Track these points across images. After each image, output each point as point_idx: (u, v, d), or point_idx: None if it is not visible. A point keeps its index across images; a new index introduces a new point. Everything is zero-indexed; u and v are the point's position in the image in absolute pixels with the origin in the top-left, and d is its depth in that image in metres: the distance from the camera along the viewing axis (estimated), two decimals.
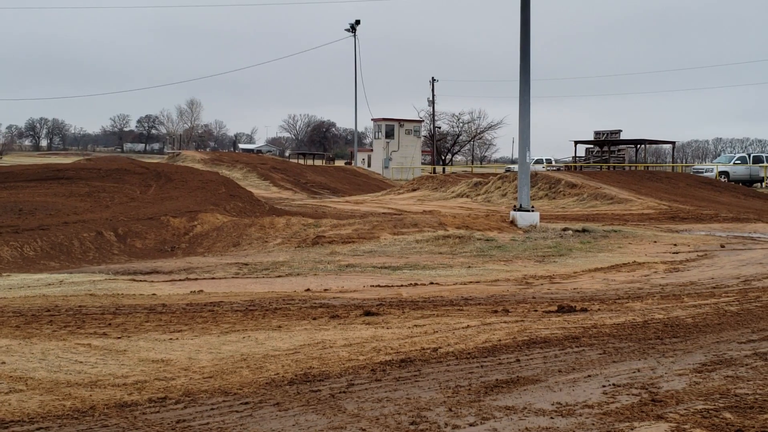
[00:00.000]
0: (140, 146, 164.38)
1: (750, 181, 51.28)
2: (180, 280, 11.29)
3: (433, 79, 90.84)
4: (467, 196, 35.63)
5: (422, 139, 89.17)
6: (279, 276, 11.76)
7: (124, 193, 22.30)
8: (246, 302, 8.92)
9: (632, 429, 4.57)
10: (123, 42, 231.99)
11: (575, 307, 8.64)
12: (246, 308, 8.52)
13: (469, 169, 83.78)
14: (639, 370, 5.93)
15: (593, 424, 4.65)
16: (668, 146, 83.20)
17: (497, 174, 41.45)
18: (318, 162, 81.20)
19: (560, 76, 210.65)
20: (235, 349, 6.52)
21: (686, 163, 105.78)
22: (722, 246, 15.86)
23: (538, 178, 34.63)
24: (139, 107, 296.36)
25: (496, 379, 5.62)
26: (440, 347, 6.63)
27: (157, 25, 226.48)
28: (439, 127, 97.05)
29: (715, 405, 5.03)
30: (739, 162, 53.50)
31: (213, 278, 11.50)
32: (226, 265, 12.98)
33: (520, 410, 4.92)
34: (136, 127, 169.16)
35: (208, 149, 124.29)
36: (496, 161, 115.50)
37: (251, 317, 8.01)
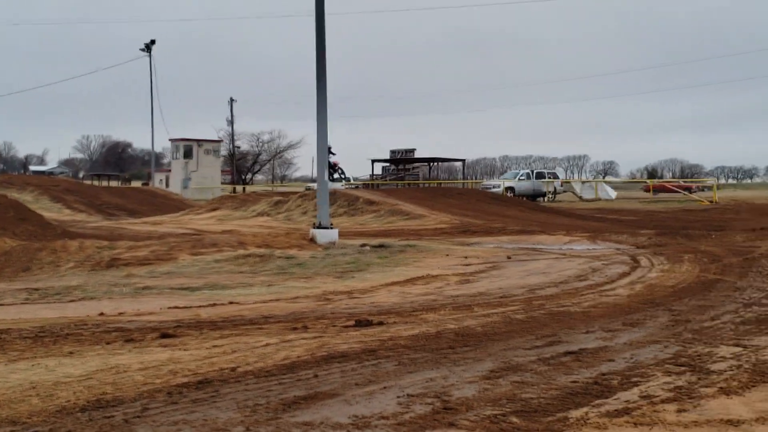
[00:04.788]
0: None
1: (534, 196, 54.36)
2: None
3: (232, 99, 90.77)
4: (268, 215, 35.55)
5: (222, 158, 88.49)
6: (72, 300, 11.29)
7: None
8: (36, 328, 8.51)
9: None
10: None
11: (372, 320, 8.83)
12: (36, 335, 8.13)
13: (270, 188, 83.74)
14: (432, 380, 6.14)
15: None
16: (459, 164, 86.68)
17: (297, 192, 41.65)
18: (114, 183, 78.52)
19: (358, 95, 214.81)
20: (24, 377, 6.22)
21: (476, 179, 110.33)
22: (509, 257, 16.66)
23: (338, 196, 35.09)
24: None
25: (295, 396, 5.66)
26: (239, 366, 6.60)
27: None
28: (239, 147, 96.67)
29: (503, 410, 5.29)
30: (523, 178, 56.68)
31: (1, 305, 10.89)
32: (16, 290, 12.32)
33: (318, 425, 4.98)
34: None
35: None
36: (296, 180, 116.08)
37: (41, 344, 7.66)
